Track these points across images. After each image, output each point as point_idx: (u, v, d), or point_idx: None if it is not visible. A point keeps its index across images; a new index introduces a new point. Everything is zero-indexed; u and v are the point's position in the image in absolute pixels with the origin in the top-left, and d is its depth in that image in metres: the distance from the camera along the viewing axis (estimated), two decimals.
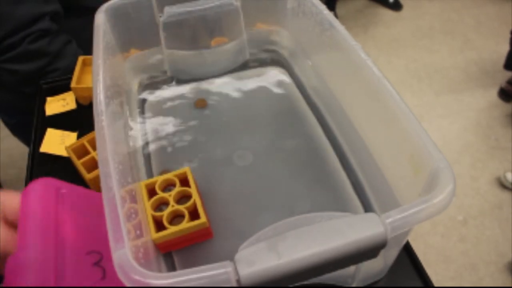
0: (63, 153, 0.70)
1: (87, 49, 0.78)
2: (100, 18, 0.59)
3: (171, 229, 0.48)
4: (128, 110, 0.65)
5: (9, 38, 0.77)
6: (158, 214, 0.50)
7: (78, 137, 0.72)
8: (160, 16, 0.65)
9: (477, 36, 2.34)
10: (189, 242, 0.51)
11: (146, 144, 0.65)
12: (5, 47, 0.78)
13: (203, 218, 0.49)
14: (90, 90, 0.75)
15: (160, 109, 0.70)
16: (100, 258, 0.42)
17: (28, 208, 0.41)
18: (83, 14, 0.92)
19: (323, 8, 0.59)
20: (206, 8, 0.65)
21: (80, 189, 0.49)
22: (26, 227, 0.40)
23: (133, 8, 0.64)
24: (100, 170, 0.40)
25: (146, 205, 0.51)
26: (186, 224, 0.49)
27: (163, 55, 0.71)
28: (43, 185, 0.43)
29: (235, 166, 0.61)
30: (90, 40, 0.60)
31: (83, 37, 0.85)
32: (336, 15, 2.35)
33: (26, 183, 0.66)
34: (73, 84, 0.75)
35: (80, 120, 0.76)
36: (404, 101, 0.45)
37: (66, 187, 0.46)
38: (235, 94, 0.72)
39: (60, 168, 0.68)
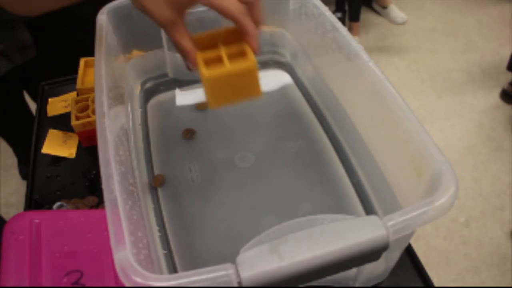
0: (65, 154, 0.70)
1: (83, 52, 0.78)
2: (102, 19, 0.59)
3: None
4: (130, 112, 0.65)
5: None
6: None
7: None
8: None
9: (479, 38, 2.33)
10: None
11: (148, 145, 0.65)
12: None
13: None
14: (93, 90, 0.75)
15: (162, 111, 0.70)
16: (80, 276, 0.45)
17: (6, 247, 0.47)
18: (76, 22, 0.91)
19: (325, 9, 0.59)
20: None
21: (61, 213, 0.54)
22: (6, 264, 0.45)
23: (136, 9, 0.64)
24: (102, 172, 0.40)
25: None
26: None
27: (165, 57, 0.71)
28: (18, 221, 0.49)
29: (236, 168, 0.61)
30: (86, 44, 0.59)
31: (78, 39, 0.85)
32: (344, 14, 2.33)
33: (28, 185, 0.66)
34: (78, 85, 0.75)
35: None
36: (406, 103, 0.45)
37: (41, 216, 0.50)
38: None
39: (62, 169, 0.68)
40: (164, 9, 0.39)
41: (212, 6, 0.40)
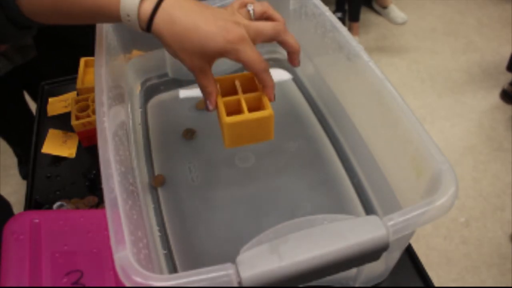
0: (65, 154, 0.70)
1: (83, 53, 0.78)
2: None
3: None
4: (130, 111, 0.65)
5: None
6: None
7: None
8: None
9: (479, 38, 2.33)
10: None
11: (148, 145, 0.65)
12: None
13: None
14: (93, 90, 0.75)
15: (162, 111, 0.70)
16: (80, 276, 0.45)
17: (6, 247, 0.47)
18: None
19: (325, 9, 0.59)
20: None
21: (61, 213, 0.53)
22: (6, 264, 0.45)
23: None
24: (102, 172, 0.40)
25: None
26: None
27: (165, 57, 0.71)
28: (18, 221, 0.49)
29: (236, 168, 0.61)
30: (86, 44, 0.58)
31: (81, 43, 0.85)
32: (344, 14, 2.33)
33: (28, 185, 0.66)
34: (78, 85, 0.75)
35: None
36: (406, 103, 0.45)
37: (41, 216, 0.50)
38: None
39: (62, 169, 0.68)
40: (195, 59, 0.44)
41: (239, 61, 0.44)
